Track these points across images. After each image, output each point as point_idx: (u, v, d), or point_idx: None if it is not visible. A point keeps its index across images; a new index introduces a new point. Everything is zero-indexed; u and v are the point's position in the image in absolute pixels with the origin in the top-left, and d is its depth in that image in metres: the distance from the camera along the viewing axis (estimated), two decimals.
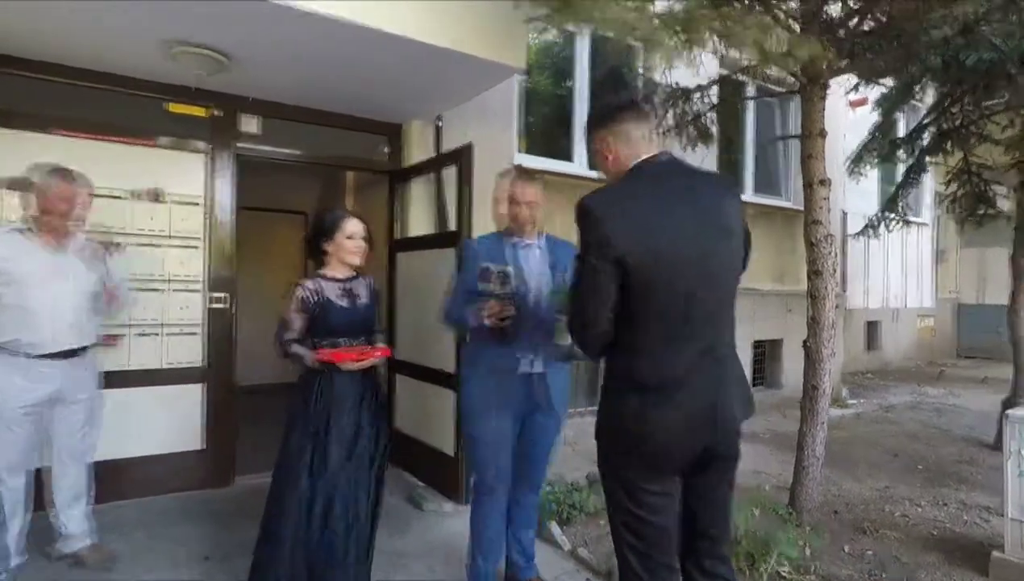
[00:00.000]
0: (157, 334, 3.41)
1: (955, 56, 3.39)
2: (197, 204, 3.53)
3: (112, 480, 3.04)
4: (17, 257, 2.37)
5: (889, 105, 4.60)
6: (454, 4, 2.89)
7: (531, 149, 4.80)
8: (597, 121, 1.65)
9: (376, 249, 2.58)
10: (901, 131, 5.73)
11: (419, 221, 4.04)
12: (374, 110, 3.89)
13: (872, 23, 3.00)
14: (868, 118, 5.68)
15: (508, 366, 2.20)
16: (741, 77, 5.04)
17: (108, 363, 2.95)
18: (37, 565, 2.56)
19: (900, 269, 8.58)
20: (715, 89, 4.25)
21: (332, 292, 2.32)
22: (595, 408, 1.61)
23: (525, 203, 2.23)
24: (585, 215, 1.47)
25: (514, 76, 3.63)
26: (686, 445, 1.47)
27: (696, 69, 2.49)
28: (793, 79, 3.25)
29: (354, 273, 2.39)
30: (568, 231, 2.98)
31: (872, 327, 8.76)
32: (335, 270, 2.36)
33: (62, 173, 2.45)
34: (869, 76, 3.44)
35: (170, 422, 3.44)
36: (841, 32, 3.00)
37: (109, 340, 2.74)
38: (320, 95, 3.62)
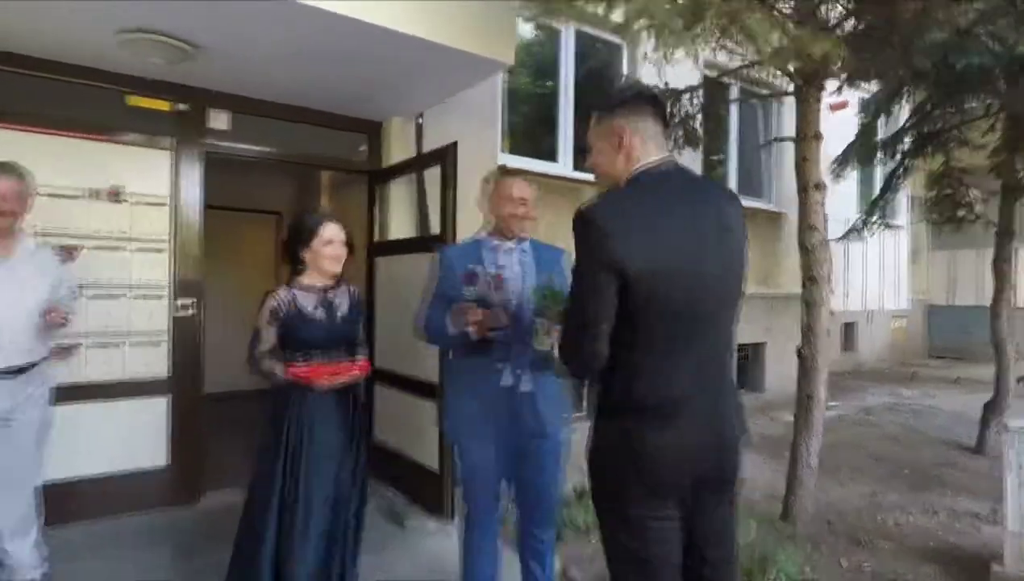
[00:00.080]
0: (118, 345, 3.18)
1: (944, 59, 3.35)
2: (162, 205, 3.30)
3: (67, 502, 2.82)
4: None
5: (877, 108, 4.59)
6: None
7: (515, 149, 4.67)
8: (616, 105, 1.47)
9: (355, 253, 2.41)
10: (880, 135, 5.74)
11: (400, 223, 3.86)
12: (353, 106, 3.71)
13: (869, 24, 2.94)
14: (849, 122, 5.69)
15: (488, 379, 2.03)
16: (727, 79, 4.99)
17: (63, 375, 2.72)
18: None
19: (878, 272, 8.69)
20: (701, 91, 4.19)
21: (307, 303, 2.15)
22: (579, 415, 1.49)
23: (522, 201, 2.09)
24: (587, 226, 1.34)
25: (499, 73, 3.49)
26: (688, 469, 1.36)
27: (696, 61, 2.38)
28: (788, 80, 3.19)
29: (334, 281, 2.22)
30: (552, 233, 2.87)
31: (848, 328, 8.86)
32: (312, 278, 2.20)
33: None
34: (864, 78, 3.38)
35: (132, 437, 3.21)
36: (837, 33, 2.94)
37: (62, 353, 2.50)
38: (296, 90, 3.41)
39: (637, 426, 1.36)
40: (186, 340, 3.35)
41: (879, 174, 6.77)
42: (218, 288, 4.63)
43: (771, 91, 5.22)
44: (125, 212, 3.20)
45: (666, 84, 3.83)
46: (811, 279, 3.06)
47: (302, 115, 3.67)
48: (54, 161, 2.96)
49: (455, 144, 3.18)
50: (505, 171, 2.26)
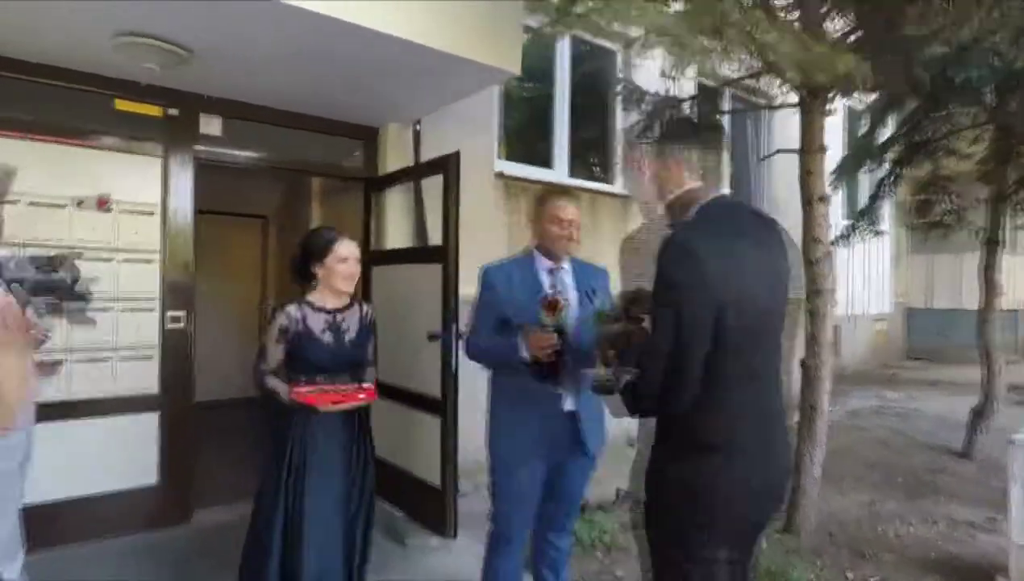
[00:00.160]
0: (106, 359, 3.05)
1: (943, 72, 3.39)
2: (152, 213, 3.17)
3: (51, 525, 2.70)
4: None
5: (874, 117, 4.65)
6: (446, 3, 2.66)
7: (511, 156, 4.61)
8: (684, 135, 1.47)
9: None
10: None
11: (397, 233, 3.78)
12: (348, 112, 3.61)
13: (871, 36, 2.95)
14: (835, 131, 5.76)
15: (545, 403, 1.99)
16: (722, 89, 5.01)
17: (48, 392, 2.60)
18: None
19: (862, 276, 8.82)
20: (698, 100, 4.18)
21: (316, 324, 2.08)
22: None
23: (570, 223, 2.04)
24: (687, 255, 1.27)
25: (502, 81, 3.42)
26: (759, 512, 1.34)
27: (723, 66, 2.33)
28: (786, 91, 3.19)
29: (346, 302, 2.15)
30: None
31: (833, 332, 8.99)
32: (324, 297, 2.12)
33: None
34: (870, 89, 3.40)
35: (120, 456, 3.08)
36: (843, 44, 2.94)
37: (45, 369, 2.38)
38: (291, 95, 3.31)
39: (709, 467, 1.31)
40: (177, 353, 3.23)
41: (864, 181, 6.86)
42: (206, 294, 4.49)
43: (768, 101, 5.24)
44: (113, 221, 3.07)
45: (667, 91, 3.82)
46: (816, 292, 3.06)
47: (297, 121, 3.56)
48: (38, 168, 2.82)
49: (457, 153, 3.11)
50: (553, 191, 2.19)
